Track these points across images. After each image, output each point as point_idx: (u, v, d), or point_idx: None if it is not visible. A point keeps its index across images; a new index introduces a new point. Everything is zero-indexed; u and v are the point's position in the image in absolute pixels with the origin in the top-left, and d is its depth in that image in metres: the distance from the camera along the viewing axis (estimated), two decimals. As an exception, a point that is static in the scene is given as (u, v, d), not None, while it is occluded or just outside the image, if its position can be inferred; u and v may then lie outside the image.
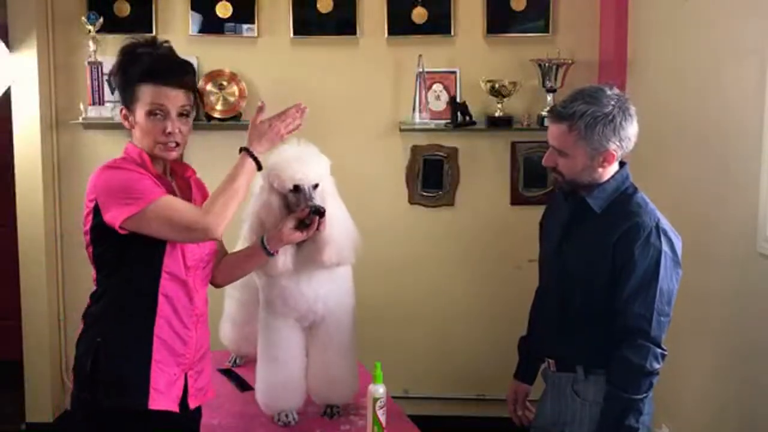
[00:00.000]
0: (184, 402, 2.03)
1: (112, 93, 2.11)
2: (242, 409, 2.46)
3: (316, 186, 2.19)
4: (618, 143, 2.03)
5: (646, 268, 1.99)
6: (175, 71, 1.98)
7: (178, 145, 1.98)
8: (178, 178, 2.12)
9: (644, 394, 2.01)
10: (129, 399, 1.94)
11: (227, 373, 2.74)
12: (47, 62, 3.86)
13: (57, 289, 3.98)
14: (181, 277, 1.99)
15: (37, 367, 3.94)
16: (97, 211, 1.91)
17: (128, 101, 1.98)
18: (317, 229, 2.16)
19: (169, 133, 1.95)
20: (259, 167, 2.00)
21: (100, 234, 1.93)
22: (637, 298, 1.99)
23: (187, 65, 2.05)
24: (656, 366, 2.00)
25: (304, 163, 2.19)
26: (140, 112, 1.96)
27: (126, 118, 2.01)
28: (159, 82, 1.94)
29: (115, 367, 1.94)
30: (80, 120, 3.79)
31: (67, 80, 3.90)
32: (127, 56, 1.99)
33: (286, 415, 2.34)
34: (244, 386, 2.62)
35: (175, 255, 1.97)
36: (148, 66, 1.95)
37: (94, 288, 2.04)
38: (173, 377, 2.00)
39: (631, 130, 2.05)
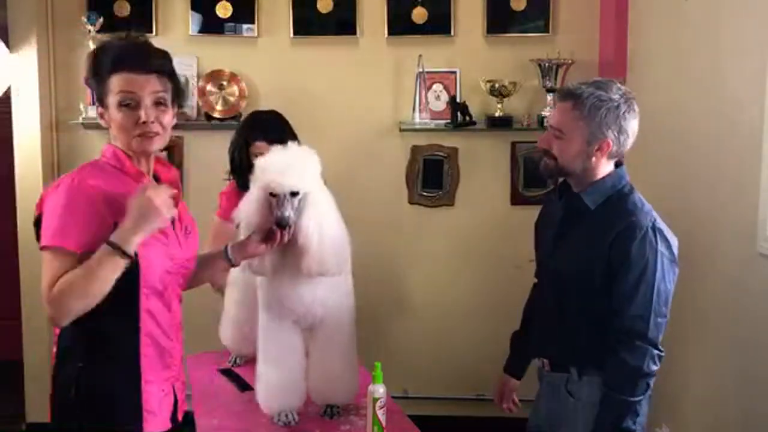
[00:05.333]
0: (173, 415, 1.93)
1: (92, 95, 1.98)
2: (242, 409, 2.46)
3: (294, 194, 2.14)
4: (616, 134, 2.02)
5: (643, 269, 1.97)
6: (141, 55, 1.83)
7: (157, 134, 1.82)
8: (164, 181, 1.94)
9: (641, 396, 2.00)
10: (121, 426, 1.83)
11: (227, 373, 2.73)
12: (47, 62, 3.86)
13: (57, 289, 3.97)
14: (158, 288, 1.84)
15: (37, 367, 3.93)
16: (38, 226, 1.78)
17: (102, 96, 1.84)
18: (281, 241, 2.11)
19: (143, 122, 1.78)
20: (129, 256, 1.71)
21: None
22: (634, 299, 1.98)
23: (160, 50, 1.88)
24: (653, 367, 1.99)
25: (285, 170, 2.12)
26: (112, 106, 1.81)
27: (102, 116, 1.86)
28: (127, 69, 1.79)
29: (102, 392, 1.81)
30: (80, 120, 3.79)
31: (67, 80, 3.90)
32: (98, 51, 1.87)
33: (286, 415, 2.34)
34: (244, 386, 2.61)
35: (152, 265, 1.81)
36: (117, 53, 1.82)
37: None
38: (162, 393, 1.89)
39: (632, 125, 2.05)
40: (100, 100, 1.86)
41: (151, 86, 1.81)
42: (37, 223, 1.80)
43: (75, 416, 1.81)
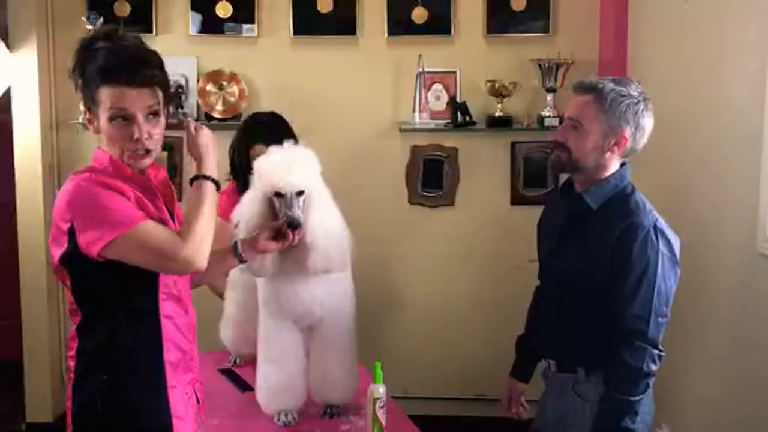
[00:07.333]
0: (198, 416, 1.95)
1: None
2: (242, 409, 2.46)
3: (300, 193, 2.15)
4: (633, 130, 2.04)
5: (644, 269, 1.98)
6: (133, 67, 1.72)
7: (149, 152, 1.78)
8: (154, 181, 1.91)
9: (640, 396, 2.00)
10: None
11: (227, 373, 2.74)
12: (47, 62, 3.86)
13: (57, 288, 3.97)
14: (174, 292, 1.83)
15: (37, 367, 3.94)
16: (73, 235, 1.70)
17: (90, 104, 1.79)
18: (293, 241, 2.13)
19: (137, 139, 1.74)
20: (218, 187, 1.84)
21: (82, 260, 1.71)
22: (635, 299, 1.98)
23: (150, 57, 1.78)
24: (653, 367, 1.99)
25: (289, 169, 2.14)
26: (102, 118, 1.76)
27: (91, 122, 1.82)
28: (117, 83, 1.72)
29: (130, 403, 1.78)
30: (80, 120, 3.78)
31: (67, 80, 3.77)
32: (84, 52, 1.78)
33: (286, 415, 2.34)
34: (244, 386, 2.61)
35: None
36: (104, 64, 1.72)
37: (74, 316, 1.83)
38: (186, 397, 1.87)
39: (648, 123, 2.06)
40: (89, 107, 1.80)
41: (143, 100, 1.74)
42: (73, 233, 1.71)
43: (102, 430, 1.78)
